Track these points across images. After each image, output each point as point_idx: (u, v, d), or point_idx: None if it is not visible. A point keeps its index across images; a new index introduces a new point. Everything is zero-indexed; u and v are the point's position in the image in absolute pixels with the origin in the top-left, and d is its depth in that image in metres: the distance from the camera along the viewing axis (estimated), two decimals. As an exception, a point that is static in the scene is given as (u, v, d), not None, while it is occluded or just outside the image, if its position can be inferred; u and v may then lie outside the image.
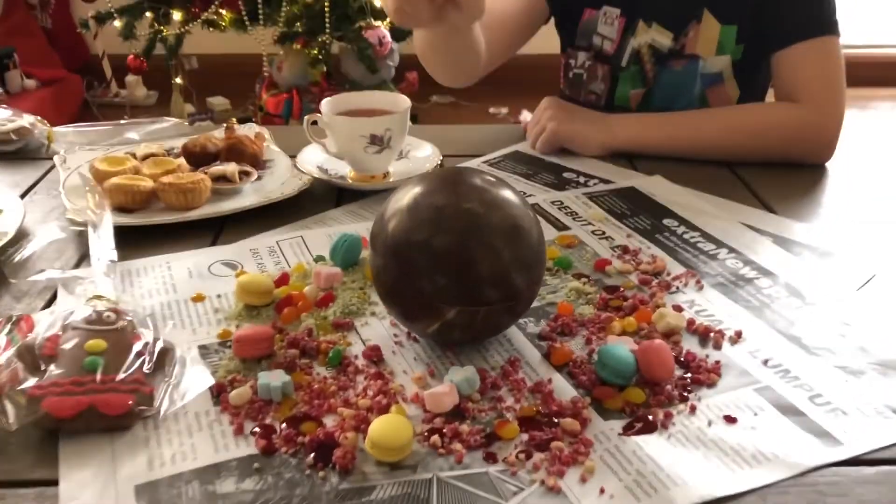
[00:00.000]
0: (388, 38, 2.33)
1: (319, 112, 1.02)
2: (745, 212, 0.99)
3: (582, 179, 1.09)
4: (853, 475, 0.59)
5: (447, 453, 0.60)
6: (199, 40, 2.70)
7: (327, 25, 2.27)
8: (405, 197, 0.68)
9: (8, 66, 2.90)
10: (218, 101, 3.22)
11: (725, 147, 1.13)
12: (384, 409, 0.64)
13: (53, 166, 1.08)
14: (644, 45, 1.20)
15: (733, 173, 1.11)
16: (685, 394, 0.67)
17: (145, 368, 0.66)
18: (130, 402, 0.62)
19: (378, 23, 2.34)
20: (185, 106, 3.02)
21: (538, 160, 1.16)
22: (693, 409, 0.65)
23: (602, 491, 0.57)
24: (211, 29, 2.36)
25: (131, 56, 2.47)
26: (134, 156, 1.06)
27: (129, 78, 3.17)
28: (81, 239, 0.89)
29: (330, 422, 0.63)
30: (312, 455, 0.60)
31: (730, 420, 0.64)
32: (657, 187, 1.05)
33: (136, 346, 0.68)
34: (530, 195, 1.04)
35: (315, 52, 2.30)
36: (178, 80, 2.79)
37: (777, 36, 1.12)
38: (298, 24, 2.30)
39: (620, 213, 0.99)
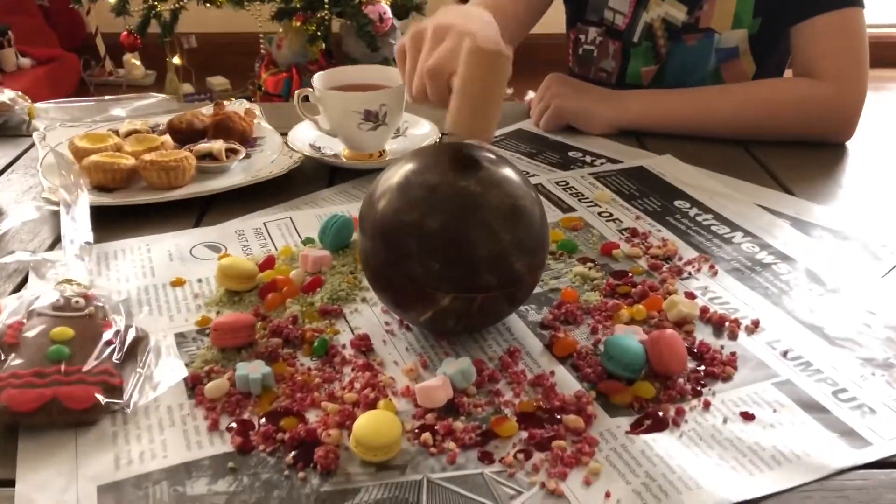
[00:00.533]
0: (389, 13, 2.26)
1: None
2: (762, 193, 0.94)
3: (588, 159, 1.03)
4: (882, 479, 0.54)
5: (439, 452, 0.55)
6: (197, 18, 2.64)
7: (326, 1, 2.21)
8: (396, 175, 0.63)
9: (2, 45, 2.85)
10: (217, 81, 3.16)
11: (740, 124, 1.07)
12: (371, 404, 0.59)
13: (33, 144, 1.03)
14: (657, 19, 1.14)
15: (748, 153, 1.06)
16: (698, 388, 0.62)
17: (115, 358, 0.61)
18: (97, 395, 0.58)
19: (377, -2, 2.28)
20: (184, 86, 2.96)
21: (542, 139, 1.10)
22: (707, 405, 0.60)
23: (608, 495, 0.52)
24: (207, 5, 2.29)
25: (125, 32, 2.41)
26: (116, 133, 1.00)
27: (127, 56, 3.11)
28: (57, 219, 0.83)
29: (313, 417, 0.58)
30: (292, 454, 0.55)
31: (747, 417, 0.59)
32: (668, 167, 1.00)
33: (107, 335, 0.63)
34: (533, 175, 0.98)
35: (313, 28, 2.23)
36: (175, 60, 2.73)
37: (797, 7, 1.06)
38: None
39: (629, 194, 0.93)
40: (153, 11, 2.22)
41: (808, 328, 0.69)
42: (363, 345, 0.66)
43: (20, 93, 1.13)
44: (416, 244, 0.60)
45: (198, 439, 0.57)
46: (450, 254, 0.60)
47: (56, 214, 0.84)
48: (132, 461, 0.55)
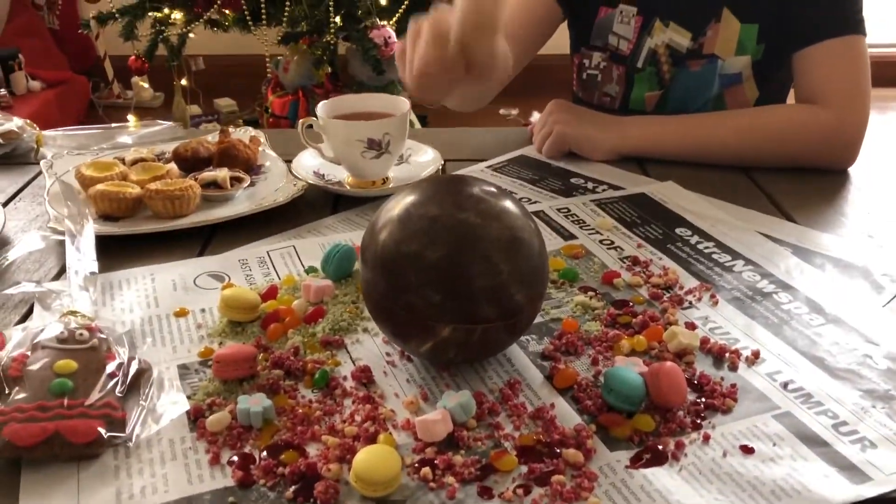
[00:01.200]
0: (394, 38, 2.28)
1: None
2: (763, 220, 0.94)
3: (590, 185, 1.04)
4: (883, 514, 0.54)
5: (438, 487, 0.55)
6: (205, 41, 2.66)
7: (332, 25, 2.22)
8: (397, 206, 0.64)
9: (13, 68, 2.87)
10: (224, 103, 3.18)
11: (742, 151, 1.08)
12: (372, 438, 0.59)
13: (41, 172, 1.04)
14: (661, 45, 1.15)
15: (750, 179, 1.06)
16: (698, 421, 0.62)
17: (118, 391, 0.62)
18: (99, 429, 0.58)
19: (384, 22, 2.29)
20: (192, 108, 2.98)
21: (545, 165, 1.11)
22: (707, 439, 0.60)
23: (606, 531, 0.52)
24: (214, 29, 2.31)
25: (132, 57, 2.43)
26: (123, 161, 1.01)
27: (135, 79, 3.14)
28: (63, 249, 0.84)
29: (314, 451, 0.58)
30: (292, 489, 0.55)
31: (747, 451, 0.59)
32: (670, 194, 1.00)
33: (110, 367, 0.63)
34: (535, 202, 0.99)
35: (319, 52, 2.25)
36: (182, 82, 2.75)
37: (800, 34, 1.07)
38: (303, 23, 2.25)
39: (630, 222, 0.93)
40: (161, 36, 2.25)
41: (810, 359, 0.69)
42: (364, 377, 0.66)
43: (28, 120, 1.14)
44: (416, 275, 0.61)
45: (199, 473, 0.57)
46: (449, 285, 0.60)
47: (62, 244, 0.85)
48: (133, 496, 0.55)
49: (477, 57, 0.74)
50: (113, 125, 1.15)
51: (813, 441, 0.60)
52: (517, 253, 0.62)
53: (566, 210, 0.96)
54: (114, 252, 0.85)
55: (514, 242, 0.62)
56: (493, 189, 0.65)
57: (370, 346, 0.71)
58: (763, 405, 0.64)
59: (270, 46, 2.45)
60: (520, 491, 0.55)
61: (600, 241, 0.89)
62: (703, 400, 0.64)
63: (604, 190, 1.02)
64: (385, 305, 0.63)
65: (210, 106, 3.21)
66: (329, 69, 2.38)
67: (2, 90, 2.82)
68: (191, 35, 2.31)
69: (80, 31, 2.49)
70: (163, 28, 2.24)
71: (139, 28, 2.30)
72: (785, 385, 0.66)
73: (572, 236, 0.90)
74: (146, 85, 3.18)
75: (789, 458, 0.58)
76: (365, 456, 0.55)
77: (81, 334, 0.65)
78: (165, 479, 0.56)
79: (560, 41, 1.32)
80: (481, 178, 0.68)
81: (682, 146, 1.08)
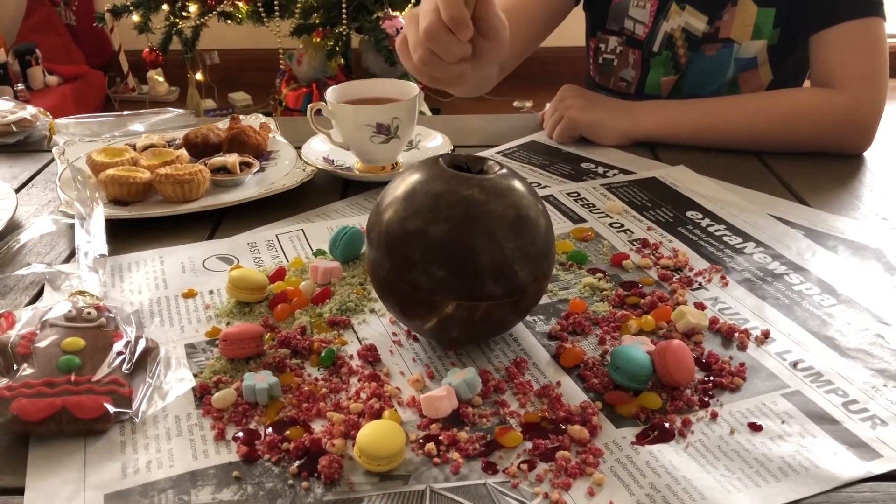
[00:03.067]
0: (406, 28, 2.28)
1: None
2: (775, 203, 0.93)
3: (601, 170, 1.03)
4: (892, 491, 0.53)
5: (443, 463, 0.55)
6: (219, 35, 2.67)
7: (344, 16, 2.22)
8: (402, 184, 0.64)
9: (30, 63, 2.90)
10: (239, 97, 3.19)
11: (754, 135, 1.07)
12: (376, 415, 0.59)
13: (53, 159, 1.05)
14: (677, 28, 1.14)
15: (762, 163, 1.05)
16: (706, 399, 0.61)
17: (125, 368, 0.62)
18: (106, 405, 0.58)
19: (396, 13, 2.29)
20: (206, 101, 2.99)
21: (555, 150, 1.10)
22: (714, 416, 0.59)
23: (611, 506, 0.52)
24: (228, 21, 2.32)
25: (147, 49, 2.44)
26: (134, 147, 1.02)
27: (151, 73, 3.16)
28: (73, 232, 0.85)
29: (318, 427, 0.58)
30: (297, 463, 0.55)
31: (755, 428, 0.58)
32: (681, 178, 0.99)
33: (117, 345, 0.64)
34: (545, 186, 0.98)
35: (331, 43, 2.25)
36: (197, 76, 2.76)
37: (817, 16, 1.06)
38: (315, 15, 2.25)
39: (640, 205, 0.93)
40: (175, 29, 2.25)
41: (820, 339, 0.68)
42: (370, 355, 0.66)
43: (41, 109, 1.15)
44: (420, 252, 0.60)
45: (204, 448, 0.57)
46: (453, 261, 0.60)
47: (72, 227, 0.86)
48: (139, 470, 0.55)
49: (488, 20, 0.74)
50: (125, 112, 1.15)
51: (822, 419, 0.59)
52: (522, 231, 0.62)
53: (576, 194, 0.96)
54: (124, 236, 0.86)
55: (519, 220, 0.62)
56: (500, 167, 0.65)
57: (377, 327, 0.71)
58: (772, 384, 0.63)
59: (284, 38, 2.45)
60: (524, 466, 0.55)
61: (610, 224, 0.89)
62: (711, 378, 0.63)
63: (614, 174, 1.02)
64: (391, 283, 0.63)
65: (225, 100, 3.22)
66: (342, 61, 2.38)
67: (20, 85, 2.85)
68: (205, 28, 2.31)
69: (94, 24, 2.51)
70: (176, 20, 2.24)
71: (153, 21, 2.31)
72: (795, 364, 0.65)
73: (581, 219, 0.90)
74: (161, 79, 3.20)
75: (798, 435, 0.57)
76: (369, 430, 0.55)
77: (89, 313, 0.66)
78: (171, 455, 0.56)
79: (573, 32, 1.31)
80: (488, 157, 0.68)
81: (694, 131, 1.08)
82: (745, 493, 0.52)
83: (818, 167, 1.03)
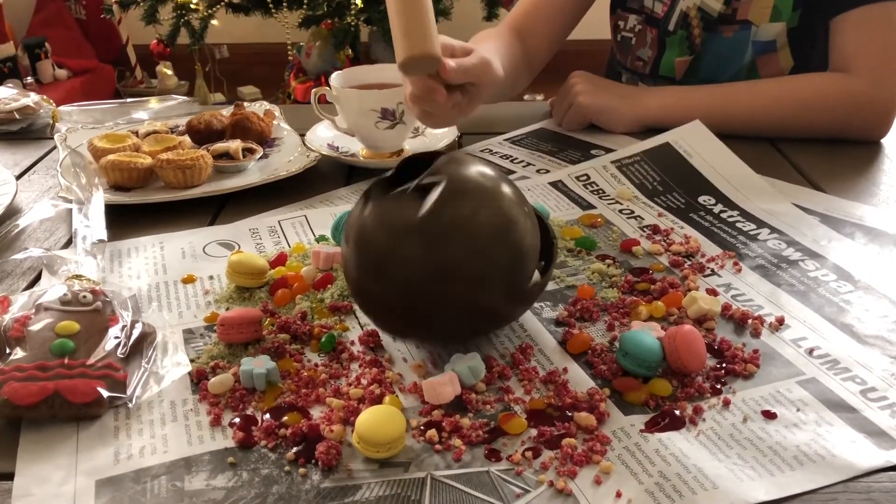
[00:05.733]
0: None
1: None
2: (790, 189, 0.90)
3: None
4: (913, 481, 0.51)
5: (444, 450, 0.53)
6: (228, 29, 2.66)
7: (353, 7, 2.20)
8: (355, 225, 0.60)
9: (39, 56, 2.90)
10: (248, 90, 3.18)
11: (769, 121, 1.04)
12: (377, 400, 0.57)
13: (56, 146, 1.04)
14: (692, 7, 1.11)
15: (777, 150, 1.02)
16: (718, 386, 0.59)
17: (120, 352, 0.61)
18: (99, 389, 0.57)
19: (405, 3, 2.26)
20: (215, 95, 2.98)
21: (565, 137, 1.08)
22: (727, 404, 0.57)
23: (619, 495, 0.50)
24: (237, 14, 2.31)
25: (154, 41, 2.43)
26: (136, 133, 1.01)
27: (160, 67, 3.15)
28: (72, 218, 0.84)
29: (317, 413, 0.57)
30: (294, 450, 0.53)
31: (769, 416, 0.56)
32: (695, 142, 0.96)
33: (113, 329, 0.62)
34: (552, 172, 0.96)
35: (340, 35, 2.23)
36: (205, 68, 2.75)
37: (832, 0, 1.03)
38: (323, 5, 2.23)
39: (652, 190, 0.91)
40: (182, 20, 2.24)
41: (837, 326, 0.66)
42: (372, 341, 0.64)
43: (45, 97, 1.14)
44: (379, 307, 0.60)
45: (199, 434, 0.55)
46: (420, 312, 0.58)
47: (72, 213, 0.85)
48: (132, 456, 0.54)
49: (461, 75, 0.82)
50: (129, 100, 1.14)
51: (839, 407, 0.57)
52: (505, 239, 0.58)
53: (585, 177, 0.94)
54: (124, 222, 0.85)
55: (504, 228, 0.58)
56: (469, 176, 0.60)
57: (379, 312, 0.69)
58: (787, 371, 0.61)
59: (292, 30, 2.43)
60: (529, 454, 0.53)
61: (620, 211, 0.87)
62: (724, 365, 0.61)
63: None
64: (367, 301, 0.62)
65: (234, 94, 3.21)
66: (351, 52, 2.36)
67: (28, 78, 2.85)
68: (213, 21, 2.30)
69: (102, 16, 2.50)
70: (184, 12, 2.23)
71: (161, 12, 2.30)
72: (810, 351, 0.63)
73: (591, 206, 0.88)
74: (170, 72, 3.19)
75: (814, 423, 0.55)
76: (368, 416, 0.53)
77: (85, 296, 0.64)
78: (165, 440, 0.55)
79: (590, 27, 1.29)
80: (475, 156, 0.66)
81: (708, 116, 1.05)
82: (759, 482, 0.50)
83: (834, 154, 1.00)
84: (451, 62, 0.81)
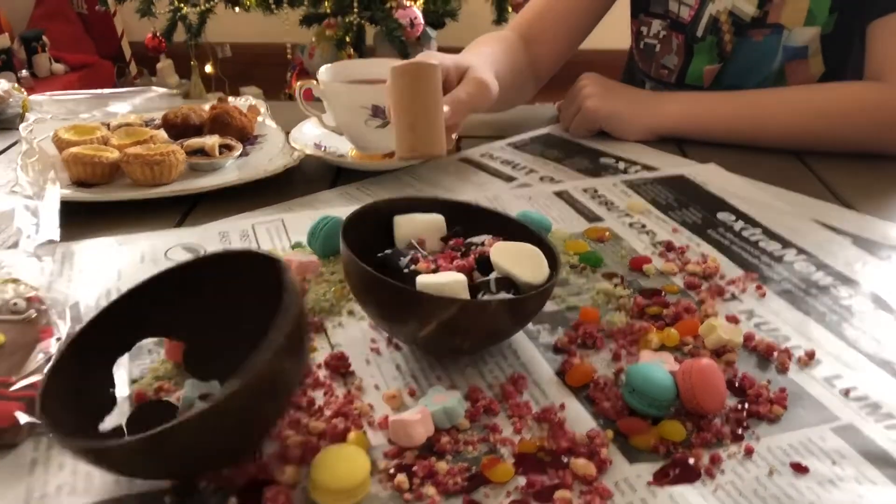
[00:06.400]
0: (420, 19, 2.18)
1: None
2: (819, 207, 0.82)
3: (622, 166, 0.93)
4: (975, 558, 0.42)
5: (415, 499, 0.45)
6: (230, 28, 2.59)
7: (355, 5, 2.13)
8: None
9: (36, 50, 2.83)
10: (250, 91, 3.11)
11: (796, 132, 0.95)
12: (341, 436, 0.49)
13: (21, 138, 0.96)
14: (723, 11, 1.02)
15: (803, 164, 0.94)
16: (739, 431, 0.51)
17: (46, 371, 0.52)
18: (18, 413, 0.49)
19: (409, 3, 2.19)
20: (216, 94, 2.91)
21: (572, 144, 1.00)
22: (749, 453, 0.49)
23: (620, 564, 0.41)
24: (236, 9, 2.24)
25: (149, 35, 2.36)
26: (108, 126, 0.93)
27: (161, 65, 3.08)
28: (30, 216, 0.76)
29: (271, 450, 0.49)
30: (236, 495, 0.45)
31: (799, 469, 0.48)
32: (712, 177, 0.89)
33: (44, 344, 0.54)
34: (558, 181, 0.88)
35: (342, 33, 2.16)
36: (204, 66, 2.68)
37: (875, 2, 0.94)
38: (326, 3, 2.16)
39: (666, 205, 0.82)
40: (179, 14, 2.17)
41: (876, 363, 0.57)
42: (341, 365, 0.56)
43: (16, 85, 1.06)
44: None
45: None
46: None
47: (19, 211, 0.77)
48: (46, 495, 0.46)
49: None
50: (104, 91, 1.07)
51: (882, 461, 0.48)
52: None
53: (593, 191, 0.86)
54: (84, 221, 0.77)
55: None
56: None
57: (353, 331, 0.61)
58: (819, 415, 0.52)
59: (294, 28, 2.36)
60: (515, 508, 0.44)
61: (630, 225, 0.78)
62: (746, 406, 0.53)
63: (637, 171, 0.91)
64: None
65: (236, 94, 3.14)
66: (354, 54, 2.29)
67: (24, 71, 2.78)
68: (212, 14, 2.23)
69: (97, 7, 2.43)
70: (181, 5, 2.16)
71: (157, 5, 2.22)
72: (846, 392, 0.54)
73: (598, 218, 0.80)
74: (171, 70, 3.12)
75: (853, 480, 0.47)
76: (325, 456, 0.45)
77: (16, 304, 0.56)
78: (89, 478, 0.47)
79: (602, 36, 1.21)
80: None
81: (730, 126, 0.97)
82: (791, 555, 0.42)
83: (867, 168, 0.92)
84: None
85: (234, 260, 0.52)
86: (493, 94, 0.83)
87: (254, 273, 0.50)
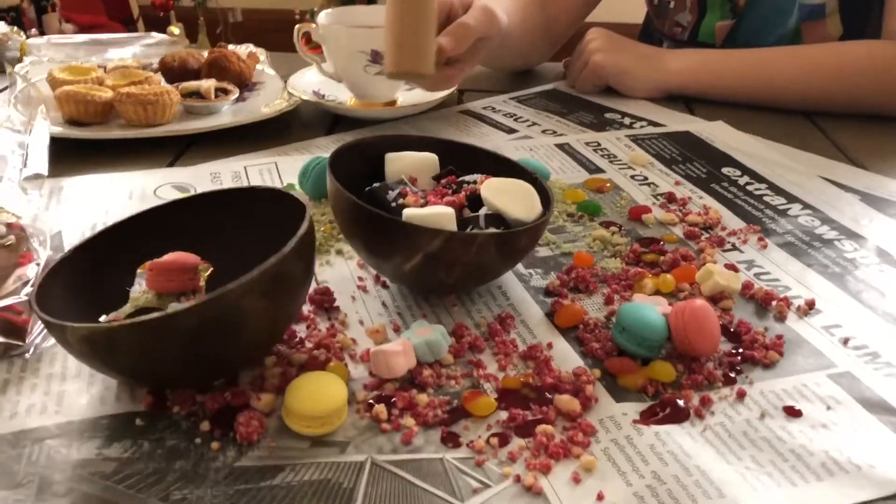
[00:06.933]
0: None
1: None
2: (827, 165, 0.80)
3: (627, 121, 0.91)
4: (970, 503, 0.41)
5: (393, 430, 0.44)
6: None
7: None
8: None
9: (46, 9, 2.81)
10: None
11: (807, 91, 0.93)
12: (320, 367, 0.48)
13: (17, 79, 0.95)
14: None
15: (813, 123, 0.92)
16: (732, 374, 0.49)
17: (25, 294, 0.51)
18: (-9, 335, 0.48)
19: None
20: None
21: (577, 99, 0.98)
22: (741, 396, 0.47)
23: (600, 497, 0.40)
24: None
25: (157, -7, 2.34)
26: (105, 69, 0.91)
27: (171, 28, 3.06)
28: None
29: (248, 379, 0.47)
30: (209, 420, 0.44)
31: (792, 413, 0.46)
32: (718, 134, 0.86)
33: (23, 269, 0.53)
34: (561, 134, 0.86)
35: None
36: (216, 30, 2.66)
37: None
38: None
39: (670, 158, 0.80)
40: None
41: (877, 314, 0.56)
42: (325, 300, 0.55)
43: (14, 28, 1.05)
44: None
45: (103, 395, 0.46)
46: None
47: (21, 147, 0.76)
48: (16, 414, 0.44)
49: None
50: (104, 36, 1.05)
51: (878, 407, 0.47)
52: None
53: (596, 144, 0.84)
54: (76, 159, 0.76)
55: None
56: None
57: (341, 269, 0.59)
58: (816, 362, 0.51)
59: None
60: (494, 440, 0.43)
61: (631, 177, 0.76)
62: (741, 350, 0.51)
63: (642, 126, 0.89)
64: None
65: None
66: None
67: (33, 30, 2.76)
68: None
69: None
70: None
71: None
72: (845, 341, 0.53)
73: (599, 170, 0.78)
74: (179, 32, 3.09)
75: (847, 425, 0.45)
76: (301, 382, 0.44)
77: (-4, 229, 0.55)
78: (59, 399, 0.46)
79: (617, 9, 1.18)
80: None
81: (739, 83, 0.94)
82: (778, 492, 0.40)
83: (877, 128, 0.89)
84: (446, 41, 0.73)
85: (260, 196, 0.52)
86: (501, 24, 0.79)
87: (276, 212, 0.50)
